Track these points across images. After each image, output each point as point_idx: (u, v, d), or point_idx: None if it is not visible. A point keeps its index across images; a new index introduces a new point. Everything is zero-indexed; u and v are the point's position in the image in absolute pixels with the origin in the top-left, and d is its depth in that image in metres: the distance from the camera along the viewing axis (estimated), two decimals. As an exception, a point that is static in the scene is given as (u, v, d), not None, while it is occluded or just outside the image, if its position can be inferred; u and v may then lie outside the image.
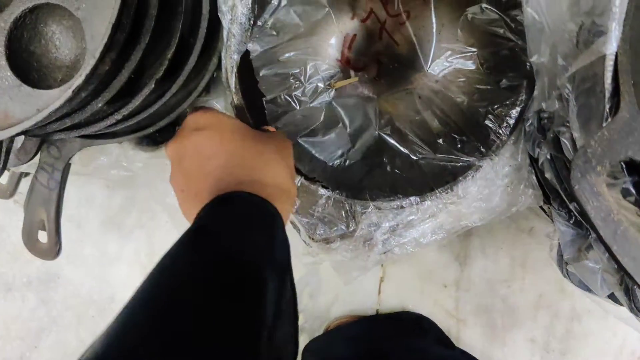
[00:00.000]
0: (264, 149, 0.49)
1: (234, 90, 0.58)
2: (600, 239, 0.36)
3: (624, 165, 0.38)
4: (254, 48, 0.61)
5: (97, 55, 0.42)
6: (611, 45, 0.37)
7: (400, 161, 0.65)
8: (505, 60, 0.62)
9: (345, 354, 0.74)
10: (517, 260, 0.76)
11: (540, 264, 0.76)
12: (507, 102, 0.59)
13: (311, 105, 0.67)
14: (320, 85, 0.68)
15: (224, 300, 0.35)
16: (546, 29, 0.46)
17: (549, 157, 0.52)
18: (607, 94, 0.37)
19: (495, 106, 0.61)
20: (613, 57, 0.37)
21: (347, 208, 0.61)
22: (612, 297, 0.57)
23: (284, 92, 0.65)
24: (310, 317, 0.80)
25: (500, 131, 0.59)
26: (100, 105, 0.48)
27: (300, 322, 0.81)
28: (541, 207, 0.63)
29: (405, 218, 0.61)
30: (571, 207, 0.53)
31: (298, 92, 0.66)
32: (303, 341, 0.80)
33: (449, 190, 0.59)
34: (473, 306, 0.77)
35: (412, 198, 0.59)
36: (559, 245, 0.63)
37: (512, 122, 0.58)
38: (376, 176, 0.64)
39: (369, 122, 0.69)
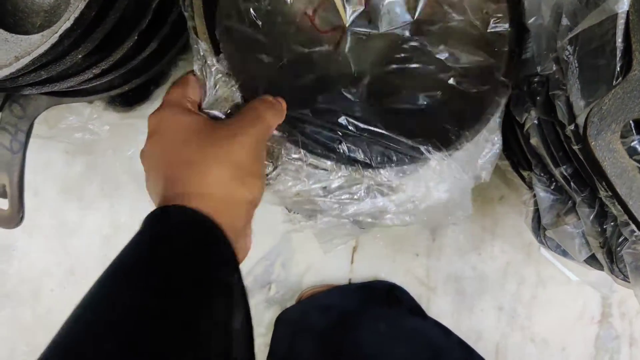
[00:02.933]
0: (204, 156, 0.43)
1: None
2: (616, 195, 0.37)
3: (632, 124, 0.39)
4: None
5: (86, -2, 0.39)
6: (623, 3, 0.38)
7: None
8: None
9: (319, 323, 0.73)
10: (487, 228, 0.77)
11: (509, 232, 0.78)
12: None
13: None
14: None
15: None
16: (549, -11, 0.46)
17: (536, 122, 0.53)
18: (619, 53, 0.38)
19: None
20: (625, 16, 0.38)
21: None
22: (589, 261, 0.59)
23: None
24: (283, 287, 0.79)
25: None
26: (80, 55, 0.45)
27: (272, 292, 0.80)
28: (519, 174, 0.64)
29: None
30: (557, 172, 0.53)
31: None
32: (275, 311, 0.79)
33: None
34: (444, 275, 0.78)
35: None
36: (535, 211, 0.65)
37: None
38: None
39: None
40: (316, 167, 0.53)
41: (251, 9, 0.57)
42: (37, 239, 0.81)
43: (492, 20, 0.58)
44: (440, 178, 0.57)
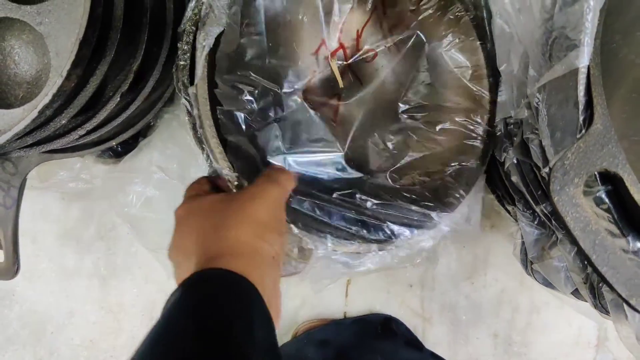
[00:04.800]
0: (228, 220, 0.46)
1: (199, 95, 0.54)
2: (579, 249, 0.37)
3: (597, 175, 0.40)
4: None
5: (64, 73, 0.40)
6: (584, 58, 0.38)
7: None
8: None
9: (315, 358, 0.74)
10: (480, 257, 0.78)
11: (501, 260, 0.78)
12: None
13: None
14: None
15: None
16: (515, 39, 0.47)
17: (515, 161, 0.53)
18: (581, 106, 0.39)
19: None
20: (585, 71, 0.39)
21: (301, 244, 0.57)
22: (575, 293, 0.60)
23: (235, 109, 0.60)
24: (283, 325, 0.80)
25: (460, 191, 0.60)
26: (64, 122, 0.46)
27: None
28: (505, 209, 0.65)
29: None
30: (537, 209, 0.54)
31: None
32: None
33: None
34: (438, 304, 0.79)
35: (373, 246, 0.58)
36: (522, 244, 0.65)
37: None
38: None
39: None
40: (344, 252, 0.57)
41: (243, 115, 0.59)
42: (36, 284, 0.83)
43: (472, 70, 0.61)
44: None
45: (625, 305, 0.46)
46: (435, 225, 0.57)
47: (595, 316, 0.73)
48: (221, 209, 0.47)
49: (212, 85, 0.55)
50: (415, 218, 0.57)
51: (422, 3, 0.61)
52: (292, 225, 0.53)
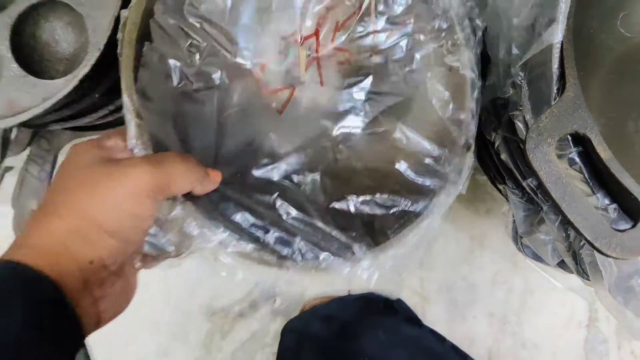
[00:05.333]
0: (58, 201, 0.38)
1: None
2: (551, 200, 0.42)
3: (570, 138, 0.45)
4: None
5: (102, 47, 0.46)
6: (557, 35, 0.44)
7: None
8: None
9: (321, 332, 0.78)
10: (476, 240, 0.83)
11: (496, 243, 0.83)
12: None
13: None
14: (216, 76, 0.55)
15: None
16: (504, 23, 0.52)
17: (503, 139, 0.59)
18: (555, 77, 0.44)
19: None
20: (559, 46, 0.44)
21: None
22: (561, 265, 0.64)
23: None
24: (287, 300, 0.85)
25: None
26: (97, 95, 0.52)
27: (277, 304, 0.86)
28: (496, 188, 0.70)
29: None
30: (524, 184, 0.59)
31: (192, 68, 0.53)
32: (280, 322, 0.85)
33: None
34: (436, 284, 0.83)
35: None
36: (514, 222, 0.70)
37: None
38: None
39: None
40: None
41: (182, 68, 0.52)
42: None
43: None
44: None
45: (599, 264, 0.51)
46: (356, 259, 0.50)
47: (584, 292, 0.78)
48: (76, 178, 0.39)
49: (149, 16, 0.47)
50: (333, 244, 0.50)
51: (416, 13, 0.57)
52: (186, 202, 0.45)
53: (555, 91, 0.44)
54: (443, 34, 0.56)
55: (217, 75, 0.54)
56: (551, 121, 0.42)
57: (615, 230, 0.42)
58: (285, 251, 0.49)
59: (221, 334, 0.83)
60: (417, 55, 0.59)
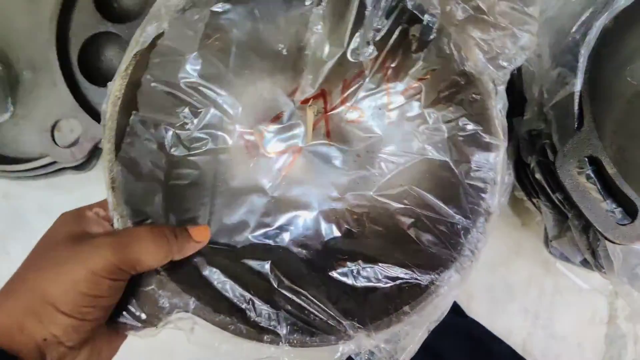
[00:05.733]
0: (20, 278, 0.40)
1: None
2: (574, 206, 0.58)
3: (586, 160, 0.61)
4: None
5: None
6: (577, 86, 0.60)
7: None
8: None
9: None
10: (512, 248, 0.95)
11: (530, 251, 0.94)
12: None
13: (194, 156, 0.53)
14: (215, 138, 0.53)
15: None
16: (536, 74, 0.69)
17: (537, 162, 0.73)
18: (575, 116, 0.59)
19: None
20: (579, 94, 0.60)
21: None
22: (583, 262, 0.79)
23: (167, 123, 0.50)
24: None
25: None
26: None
27: None
28: (531, 201, 0.85)
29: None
30: (554, 197, 0.73)
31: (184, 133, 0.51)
32: None
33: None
34: (480, 284, 0.95)
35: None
36: (545, 229, 0.84)
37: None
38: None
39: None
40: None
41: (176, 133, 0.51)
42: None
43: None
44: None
45: (611, 256, 0.66)
46: (347, 338, 0.45)
47: (604, 292, 0.92)
48: (40, 256, 0.40)
49: (136, 87, 0.47)
50: (324, 320, 0.46)
51: (433, 72, 0.53)
52: (161, 274, 0.44)
53: (576, 125, 0.59)
54: (464, 86, 0.51)
55: (215, 139, 0.54)
56: (573, 147, 0.58)
57: (619, 224, 0.57)
58: (266, 324, 0.45)
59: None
60: (432, 113, 0.55)
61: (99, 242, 0.40)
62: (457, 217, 0.51)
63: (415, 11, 0.48)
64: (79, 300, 0.38)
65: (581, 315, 0.97)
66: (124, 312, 0.43)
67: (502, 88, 0.50)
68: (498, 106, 0.49)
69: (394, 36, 0.50)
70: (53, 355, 0.38)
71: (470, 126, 0.52)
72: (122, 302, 0.43)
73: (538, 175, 0.71)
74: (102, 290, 0.39)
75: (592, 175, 0.59)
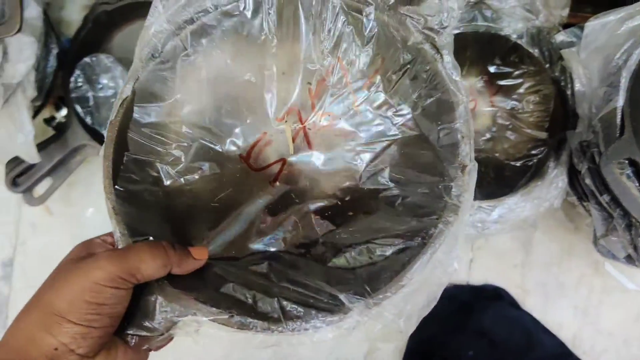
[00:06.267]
0: (32, 299, 0.42)
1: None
2: (614, 197, 0.71)
3: (626, 162, 0.73)
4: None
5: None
6: (620, 101, 0.72)
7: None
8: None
9: (443, 309, 0.98)
10: (565, 249, 1.03)
11: (581, 253, 1.02)
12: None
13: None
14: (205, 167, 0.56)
15: None
16: (587, 94, 0.82)
17: (587, 168, 0.77)
18: (618, 126, 0.70)
19: None
20: (621, 108, 0.71)
21: None
22: (627, 258, 0.88)
23: (156, 160, 0.53)
24: None
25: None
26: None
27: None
28: (582, 205, 0.96)
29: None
30: (601, 199, 0.84)
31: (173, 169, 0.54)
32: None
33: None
34: (534, 281, 1.03)
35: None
36: (594, 229, 0.94)
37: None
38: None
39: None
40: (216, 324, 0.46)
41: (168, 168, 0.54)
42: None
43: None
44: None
45: (649, 247, 0.77)
46: (346, 311, 0.46)
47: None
48: (50, 279, 0.44)
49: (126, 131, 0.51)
50: (321, 299, 0.47)
51: (384, 60, 0.56)
52: (163, 284, 0.46)
53: (618, 134, 0.69)
54: (412, 64, 0.54)
55: (206, 167, 0.57)
56: (614, 151, 0.69)
57: (655, 217, 0.69)
58: (270, 313, 0.46)
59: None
60: (394, 95, 0.57)
61: (99, 256, 0.42)
62: (436, 180, 0.52)
63: (354, 12, 0.51)
64: (84, 308, 0.40)
65: (627, 314, 1.06)
66: (132, 323, 0.45)
67: (446, 51, 0.51)
68: (447, 67, 0.51)
69: (343, 39, 0.54)
70: None
71: (430, 94, 0.53)
72: (131, 315, 0.45)
73: (588, 180, 0.81)
74: (105, 298, 0.41)
75: (632, 175, 0.71)
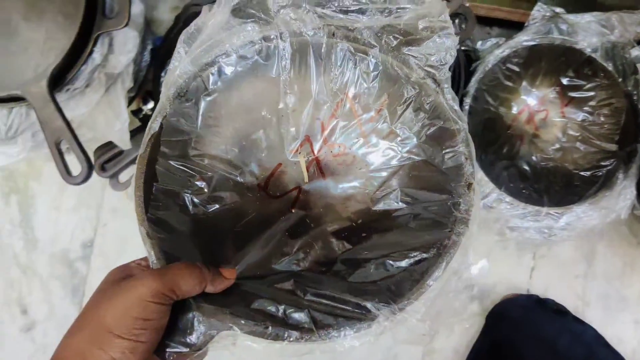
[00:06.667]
0: (80, 319, 0.45)
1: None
2: None
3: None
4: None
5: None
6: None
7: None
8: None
9: (515, 315, 1.06)
10: (627, 263, 1.05)
11: None
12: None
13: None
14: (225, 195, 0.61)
15: None
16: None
17: None
18: None
19: None
20: None
21: None
22: None
23: (182, 190, 0.57)
24: (482, 289, 1.13)
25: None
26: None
27: (474, 291, 1.12)
28: None
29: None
30: None
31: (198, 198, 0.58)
32: (476, 304, 1.13)
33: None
34: (595, 293, 1.05)
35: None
36: None
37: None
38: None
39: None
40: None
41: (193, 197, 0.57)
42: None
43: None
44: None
45: None
46: (373, 318, 0.50)
47: None
48: (93, 299, 0.46)
49: (154, 163, 0.55)
50: (349, 308, 0.51)
51: (389, 93, 0.60)
52: (199, 302, 0.49)
53: None
54: (417, 95, 0.57)
55: (227, 196, 0.60)
56: None
57: None
58: (300, 324, 0.50)
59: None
60: (400, 126, 0.61)
61: (143, 275, 0.46)
62: (445, 197, 0.56)
63: (360, 53, 0.57)
64: (131, 324, 0.42)
65: (687, 332, 1.06)
66: (171, 339, 0.48)
67: (445, 85, 0.55)
68: (448, 98, 0.55)
69: (350, 77, 0.59)
70: None
71: (433, 123, 0.57)
72: (169, 332, 0.48)
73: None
74: (150, 313, 0.44)
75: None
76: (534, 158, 0.99)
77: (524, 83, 0.98)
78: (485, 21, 1.06)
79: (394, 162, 0.62)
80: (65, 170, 0.80)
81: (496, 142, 0.97)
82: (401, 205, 0.61)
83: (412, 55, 0.55)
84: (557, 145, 0.99)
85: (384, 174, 0.63)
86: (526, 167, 0.98)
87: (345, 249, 0.61)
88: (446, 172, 0.56)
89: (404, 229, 0.59)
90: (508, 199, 0.89)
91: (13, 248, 1.20)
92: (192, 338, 0.48)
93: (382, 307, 0.50)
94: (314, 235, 0.61)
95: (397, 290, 0.52)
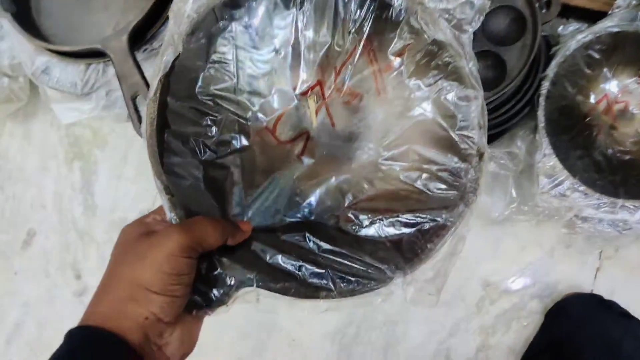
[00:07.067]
0: (112, 275, 0.46)
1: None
2: None
3: None
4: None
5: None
6: None
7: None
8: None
9: (577, 313, 1.04)
10: None
11: None
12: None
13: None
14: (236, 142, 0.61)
15: None
16: None
17: None
18: None
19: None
20: None
21: None
22: None
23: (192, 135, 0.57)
24: (543, 286, 1.10)
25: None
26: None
27: (535, 288, 1.11)
28: None
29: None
30: None
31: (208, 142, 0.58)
32: (536, 302, 1.10)
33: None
34: None
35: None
36: None
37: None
38: None
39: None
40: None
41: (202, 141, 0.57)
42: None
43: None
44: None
45: None
46: (388, 279, 0.53)
47: None
48: (122, 255, 0.47)
49: (165, 107, 0.54)
50: (364, 269, 0.53)
51: (408, 46, 0.58)
52: (223, 259, 0.51)
53: None
54: (437, 53, 0.56)
55: (236, 141, 0.60)
56: None
57: None
58: (319, 282, 0.52)
59: (490, 300, 1.10)
60: (415, 81, 0.59)
61: (168, 231, 0.46)
62: (455, 160, 0.56)
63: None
64: (165, 279, 0.44)
65: None
66: (199, 297, 0.50)
67: (469, 48, 0.54)
68: (470, 64, 0.54)
69: (370, 22, 0.57)
70: (154, 331, 0.45)
71: (450, 84, 0.56)
72: (195, 288, 0.49)
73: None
74: (181, 267, 0.45)
75: None
76: (610, 150, 0.95)
77: (605, 71, 0.95)
78: (562, 11, 1.02)
79: (407, 115, 0.60)
80: (140, 123, 0.80)
81: (572, 130, 0.94)
82: (410, 163, 0.60)
83: (440, 12, 0.54)
84: (636, 138, 0.95)
85: (395, 127, 0.62)
86: (601, 159, 0.95)
87: (352, 201, 0.61)
88: (458, 137, 0.56)
89: (412, 189, 0.59)
90: (582, 188, 0.85)
91: (72, 213, 1.22)
92: (219, 293, 0.50)
93: (397, 270, 0.53)
94: (322, 184, 0.61)
95: (408, 253, 0.54)
